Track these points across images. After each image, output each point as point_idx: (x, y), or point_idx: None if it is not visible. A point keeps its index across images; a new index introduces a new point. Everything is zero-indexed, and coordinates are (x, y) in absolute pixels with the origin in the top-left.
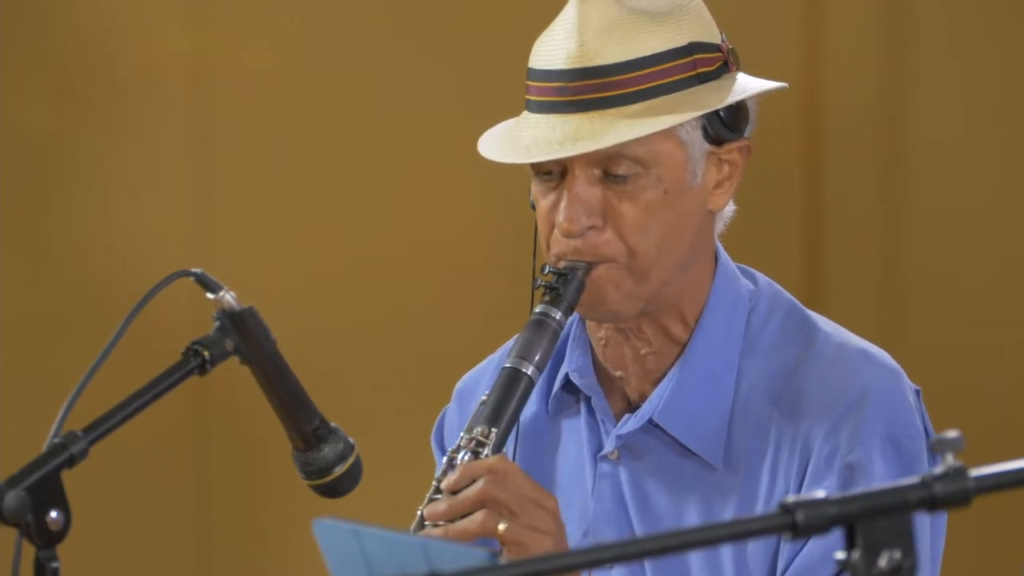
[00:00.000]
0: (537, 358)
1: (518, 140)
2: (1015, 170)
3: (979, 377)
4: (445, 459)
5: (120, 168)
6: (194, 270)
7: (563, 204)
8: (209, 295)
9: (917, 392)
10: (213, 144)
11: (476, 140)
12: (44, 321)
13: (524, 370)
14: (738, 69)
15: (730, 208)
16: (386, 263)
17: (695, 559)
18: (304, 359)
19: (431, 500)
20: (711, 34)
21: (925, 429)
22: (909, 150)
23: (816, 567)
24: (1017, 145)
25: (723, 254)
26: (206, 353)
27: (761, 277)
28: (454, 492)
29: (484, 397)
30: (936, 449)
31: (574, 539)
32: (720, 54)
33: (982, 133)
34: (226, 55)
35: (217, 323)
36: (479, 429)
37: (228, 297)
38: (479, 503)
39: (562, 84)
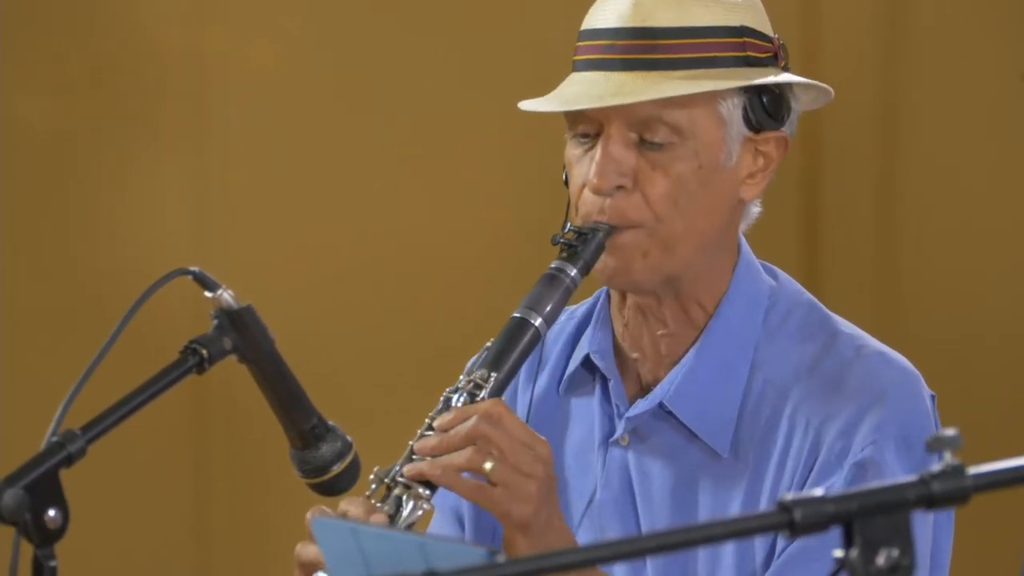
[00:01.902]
0: (547, 311)
1: (560, 95)
2: (1010, 169)
3: (975, 373)
4: (441, 399)
5: (120, 166)
6: (192, 268)
7: (595, 160)
8: (207, 293)
9: (932, 398)
10: (213, 142)
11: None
12: (44, 320)
13: (532, 321)
14: (787, 65)
15: (756, 209)
16: (386, 262)
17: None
18: (304, 358)
19: (422, 436)
20: (765, 26)
21: None
22: (905, 149)
23: (811, 549)
24: (1012, 144)
25: (746, 248)
26: (204, 352)
27: (783, 275)
28: (446, 431)
29: (489, 344)
30: (933, 447)
31: (573, 521)
32: (771, 45)
33: (977, 132)
34: (226, 53)
35: (215, 321)
36: (479, 373)
37: (226, 295)
38: (470, 440)
39: (611, 42)
